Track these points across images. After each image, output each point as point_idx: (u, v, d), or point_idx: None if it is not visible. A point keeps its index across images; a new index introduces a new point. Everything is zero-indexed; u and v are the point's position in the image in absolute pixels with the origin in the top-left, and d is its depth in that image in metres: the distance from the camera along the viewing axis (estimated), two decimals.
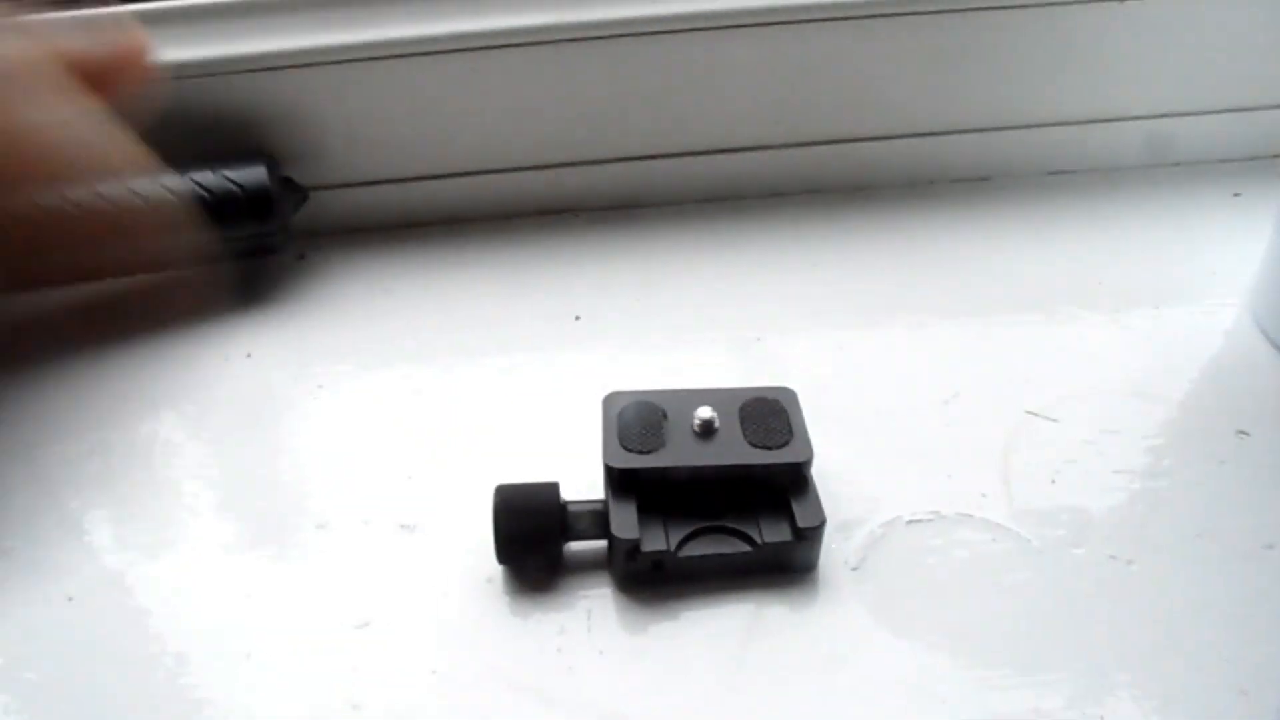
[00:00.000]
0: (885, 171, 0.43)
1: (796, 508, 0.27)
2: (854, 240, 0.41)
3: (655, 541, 0.27)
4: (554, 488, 0.28)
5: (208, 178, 0.38)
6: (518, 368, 0.35)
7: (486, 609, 0.27)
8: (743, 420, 0.29)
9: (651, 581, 0.28)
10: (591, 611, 0.27)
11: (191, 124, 0.39)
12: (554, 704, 0.25)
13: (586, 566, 0.28)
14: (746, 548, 0.27)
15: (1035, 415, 0.33)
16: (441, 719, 0.25)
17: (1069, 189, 0.43)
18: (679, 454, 0.28)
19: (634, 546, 0.27)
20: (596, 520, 0.27)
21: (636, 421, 0.29)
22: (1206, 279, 0.39)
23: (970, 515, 0.29)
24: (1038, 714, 0.25)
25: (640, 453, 0.28)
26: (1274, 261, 0.36)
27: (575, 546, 0.28)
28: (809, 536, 0.27)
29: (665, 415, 0.29)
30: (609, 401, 0.30)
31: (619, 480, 0.28)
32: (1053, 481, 0.30)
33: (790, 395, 0.30)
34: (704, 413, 0.28)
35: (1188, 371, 0.35)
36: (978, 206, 0.43)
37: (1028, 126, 0.43)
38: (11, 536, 0.30)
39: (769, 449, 0.28)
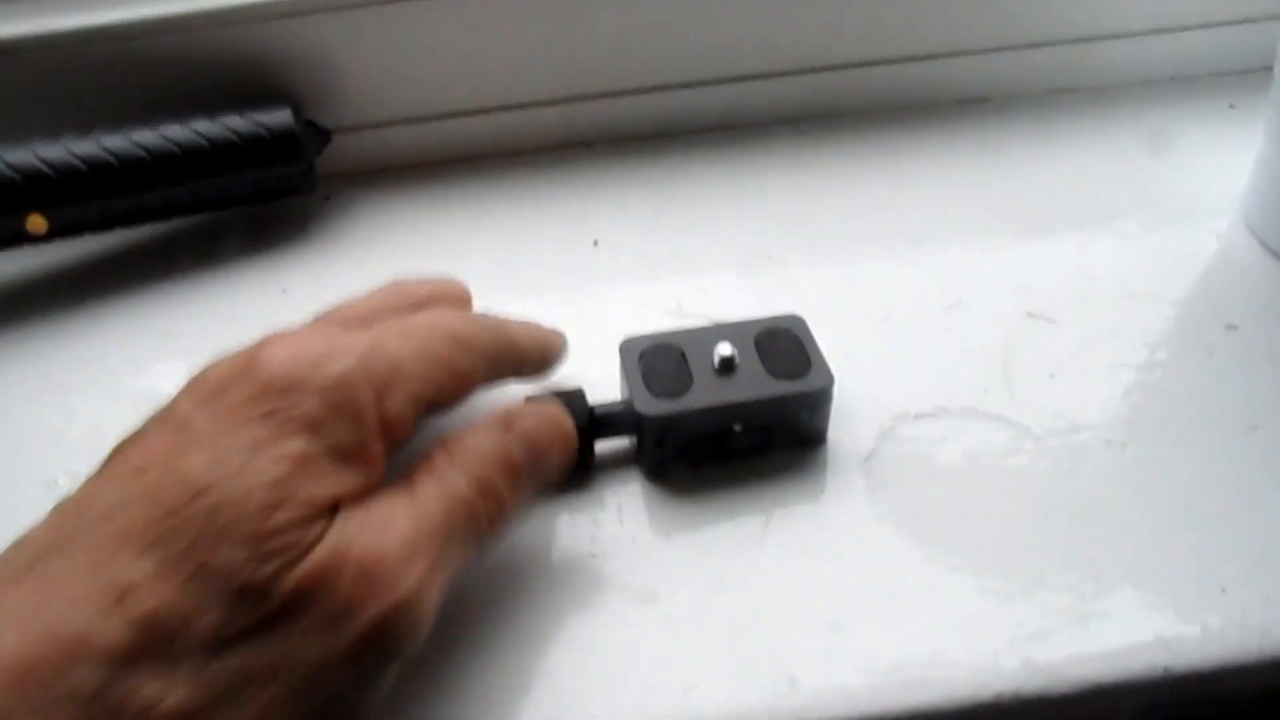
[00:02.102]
0: (887, 95, 0.44)
1: (805, 380, 0.29)
2: (858, 163, 0.42)
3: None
4: (580, 392, 0.29)
5: (235, 122, 0.39)
6: (540, 292, 0.37)
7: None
8: (760, 352, 0.30)
9: (677, 467, 0.30)
10: (622, 506, 0.29)
11: (217, 71, 0.40)
12: (589, 589, 0.27)
13: (614, 464, 0.30)
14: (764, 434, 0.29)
15: (1034, 317, 0.34)
16: (485, 612, 0.27)
17: (1068, 107, 0.45)
18: (707, 394, 0.29)
19: (665, 426, 0.28)
20: (624, 415, 0.29)
21: (659, 365, 0.30)
22: (1202, 188, 0.40)
23: (974, 408, 0.31)
24: (1038, 589, 0.27)
25: (671, 397, 0.29)
26: (1264, 166, 0.37)
27: (601, 447, 0.30)
28: (819, 399, 0.29)
29: (684, 355, 0.30)
30: (626, 347, 0.31)
31: (651, 425, 0.29)
32: (1052, 377, 0.32)
33: (800, 322, 0.31)
34: (724, 349, 0.29)
35: (1181, 274, 0.36)
36: (978, 127, 0.44)
37: (1026, 46, 0.44)
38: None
39: (792, 379, 0.29)
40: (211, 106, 0.39)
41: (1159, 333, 0.34)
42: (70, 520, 0.22)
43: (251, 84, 0.41)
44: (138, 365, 0.36)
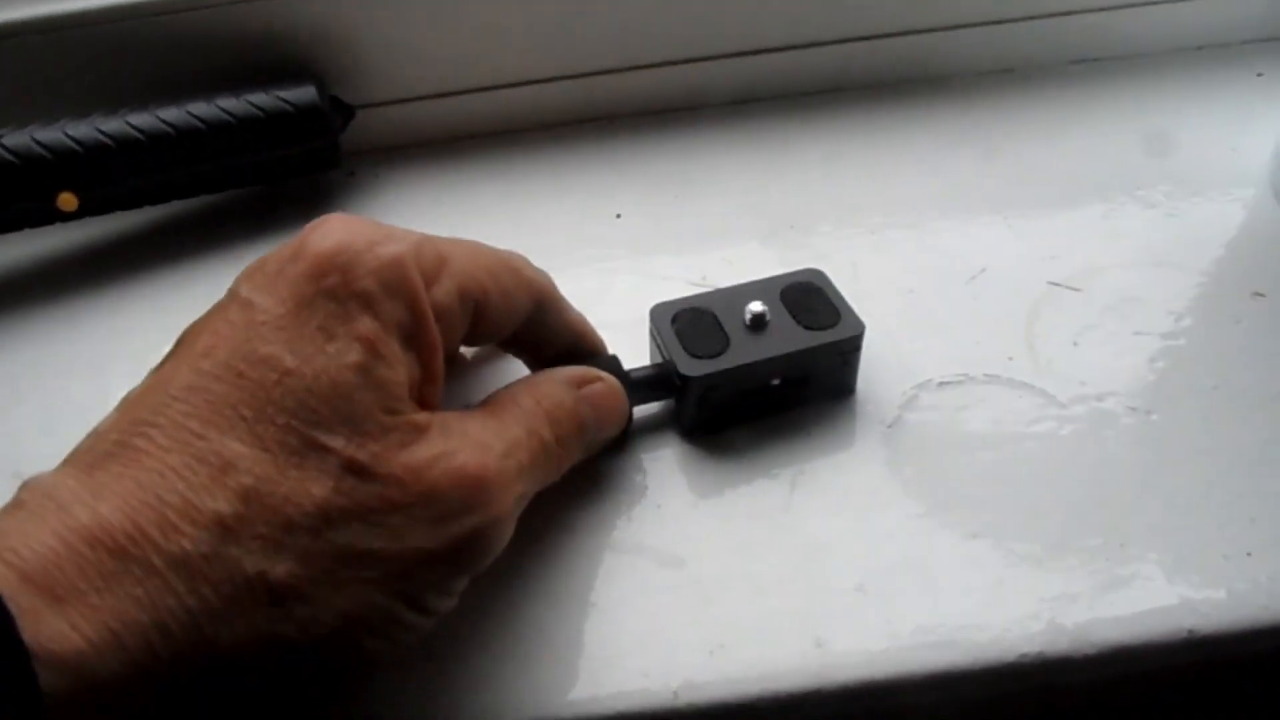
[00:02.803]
0: (910, 67, 0.44)
1: (837, 329, 0.29)
2: (881, 135, 0.42)
3: None
4: (616, 358, 0.30)
5: (261, 98, 0.39)
6: (564, 265, 0.37)
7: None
8: (788, 306, 0.30)
9: (715, 426, 0.30)
10: (653, 469, 0.30)
11: (243, 48, 0.41)
12: (619, 551, 0.28)
13: (649, 429, 0.31)
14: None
15: (1058, 286, 0.34)
16: (517, 574, 0.27)
17: (1092, 77, 0.44)
18: (746, 351, 0.29)
19: (709, 386, 0.29)
20: (661, 379, 0.30)
21: (694, 328, 0.30)
22: (1229, 157, 0.40)
23: (997, 376, 0.31)
24: (1063, 554, 0.27)
25: (712, 357, 0.29)
26: None
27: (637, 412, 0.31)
28: (851, 346, 0.30)
29: (716, 316, 0.30)
30: (657, 312, 0.31)
31: (699, 386, 0.29)
32: (1075, 344, 0.32)
33: (821, 275, 0.31)
34: (755, 306, 0.30)
35: (1207, 242, 0.36)
36: (1002, 98, 0.44)
37: (1050, 16, 0.44)
38: None
39: (824, 329, 0.30)
40: (237, 83, 0.40)
41: (1184, 301, 0.34)
42: (145, 405, 0.22)
43: (276, 61, 0.41)
44: (168, 340, 0.36)
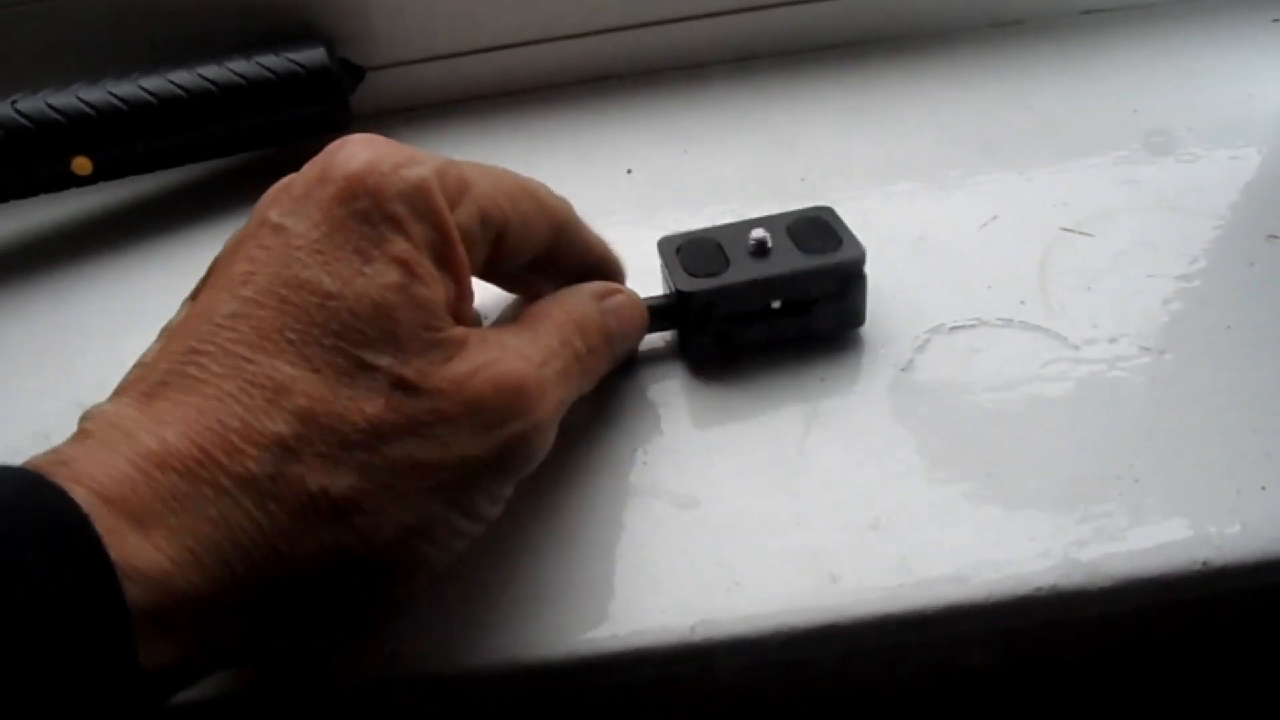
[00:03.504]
0: (922, 20, 0.44)
1: (837, 253, 0.30)
2: (892, 88, 0.42)
3: None
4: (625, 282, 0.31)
5: (271, 60, 0.40)
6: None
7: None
8: (792, 236, 0.31)
9: (720, 352, 0.31)
10: (665, 405, 0.30)
11: (253, 11, 0.41)
12: (633, 489, 0.28)
13: (656, 360, 0.31)
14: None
15: (1071, 231, 0.34)
16: (532, 515, 0.28)
17: (1103, 26, 0.44)
18: (744, 271, 0.30)
19: (707, 303, 0.30)
20: (667, 305, 0.30)
21: (696, 253, 0.31)
22: (1244, 102, 0.40)
23: (1010, 320, 0.31)
24: (1077, 490, 0.27)
25: (707, 276, 0.30)
26: None
27: (644, 345, 0.31)
28: (851, 271, 0.30)
29: (720, 245, 0.31)
30: (664, 244, 0.32)
31: (696, 303, 0.30)
32: (1089, 288, 0.32)
33: (830, 211, 0.32)
34: (757, 233, 0.30)
35: (1222, 188, 0.36)
36: (1014, 49, 0.43)
37: None
38: None
39: (824, 253, 0.30)
40: (247, 46, 0.40)
41: (1198, 244, 0.34)
42: (192, 334, 0.22)
43: (286, 23, 0.41)
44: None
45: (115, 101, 0.38)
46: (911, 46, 0.44)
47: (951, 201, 0.36)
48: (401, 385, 0.22)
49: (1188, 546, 0.25)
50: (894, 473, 0.28)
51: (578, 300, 0.28)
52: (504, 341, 0.25)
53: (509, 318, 0.31)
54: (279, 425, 0.21)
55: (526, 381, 0.24)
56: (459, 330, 0.24)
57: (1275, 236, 0.33)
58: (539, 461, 0.25)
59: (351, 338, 0.22)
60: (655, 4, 0.42)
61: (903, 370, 0.30)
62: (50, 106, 0.38)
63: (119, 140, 0.39)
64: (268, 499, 0.21)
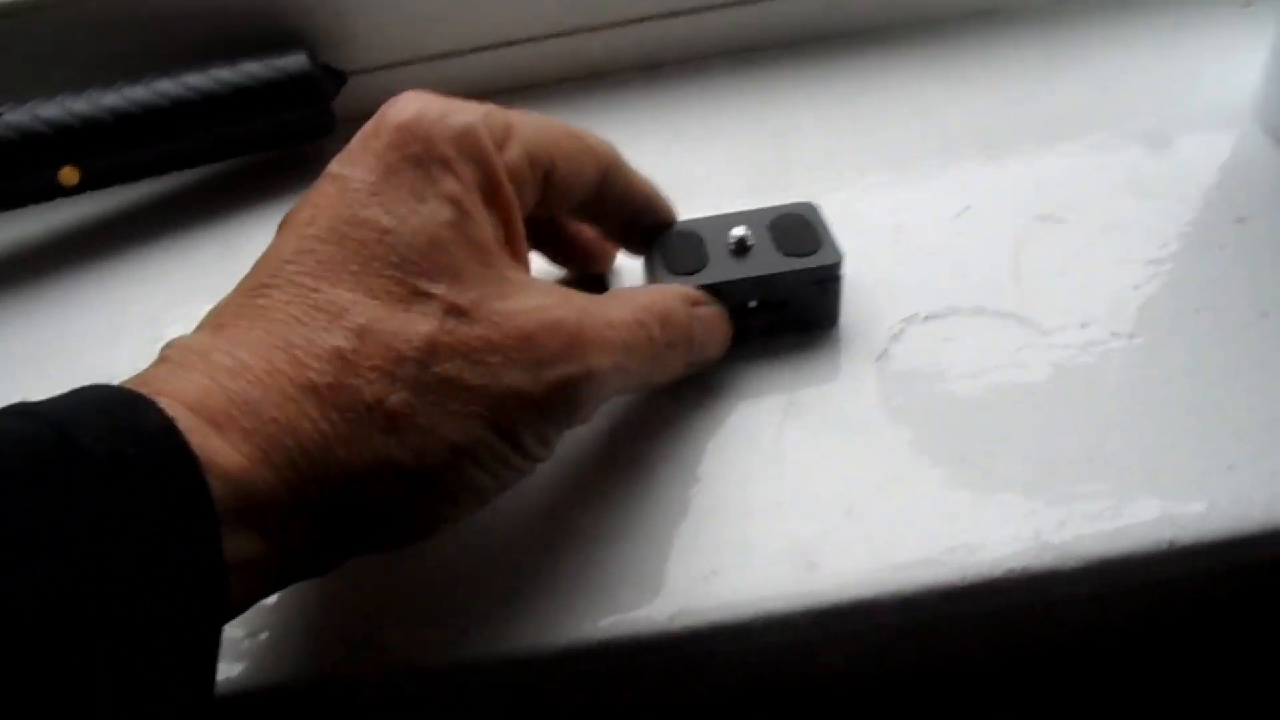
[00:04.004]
0: (896, 11, 0.44)
1: (815, 257, 0.30)
2: (867, 79, 0.42)
3: None
4: (603, 277, 0.32)
5: (254, 68, 0.40)
6: None
7: None
8: (773, 234, 0.31)
9: None
10: (647, 400, 0.31)
11: (234, 18, 0.41)
12: (611, 482, 0.29)
13: None
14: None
15: (1044, 219, 0.35)
16: (513, 506, 0.28)
17: (1077, 13, 0.44)
18: (723, 270, 0.30)
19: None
20: None
21: (677, 247, 0.31)
22: (1216, 88, 0.40)
23: (984, 307, 0.32)
24: (1049, 474, 0.28)
25: (686, 274, 0.30)
26: (1276, 65, 0.37)
27: None
28: (828, 274, 0.30)
29: (701, 240, 0.32)
30: (646, 233, 0.32)
31: None
32: (1061, 274, 0.33)
33: (812, 209, 0.32)
34: (738, 231, 0.31)
35: (1193, 173, 0.36)
36: (987, 38, 0.44)
37: None
38: None
39: (802, 256, 0.30)
40: (230, 53, 0.40)
41: (1169, 229, 0.34)
42: (260, 272, 0.24)
43: (267, 30, 0.41)
44: (173, 308, 0.37)
45: (101, 112, 0.39)
46: (889, 36, 0.44)
47: (927, 191, 0.37)
48: (455, 311, 0.23)
49: (1156, 526, 0.26)
50: (869, 460, 0.28)
51: (666, 294, 0.29)
52: (570, 296, 0.26)
53: None
54: (338, 340, 0.23)
55: (582, 330, 0.25)
56: (516, 271, 0.25)
57: (1244, 220, 0.34)
58: (588, 414, 0.26)
59: (408, 268, 0.23)
60: (636, 2, 0.43)
61: (878, 359, 0.31)
62: (37, 118, 0.38)
63: (106, 150, 0.39)
64: (328, 407, 0.22)
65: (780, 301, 0.31)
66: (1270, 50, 0.37)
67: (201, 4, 0.41)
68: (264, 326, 0.23)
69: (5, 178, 0.39)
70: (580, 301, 0.26)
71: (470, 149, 0.25)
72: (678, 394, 0.31)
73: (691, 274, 0.30)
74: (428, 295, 0.23)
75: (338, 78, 0.42)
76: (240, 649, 0.26)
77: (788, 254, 0.31)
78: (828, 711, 0.32)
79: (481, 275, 0.24)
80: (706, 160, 0.39)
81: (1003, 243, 0.34)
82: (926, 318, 0.32)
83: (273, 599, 0.27)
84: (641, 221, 0.32)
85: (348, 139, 0.43)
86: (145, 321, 0.37)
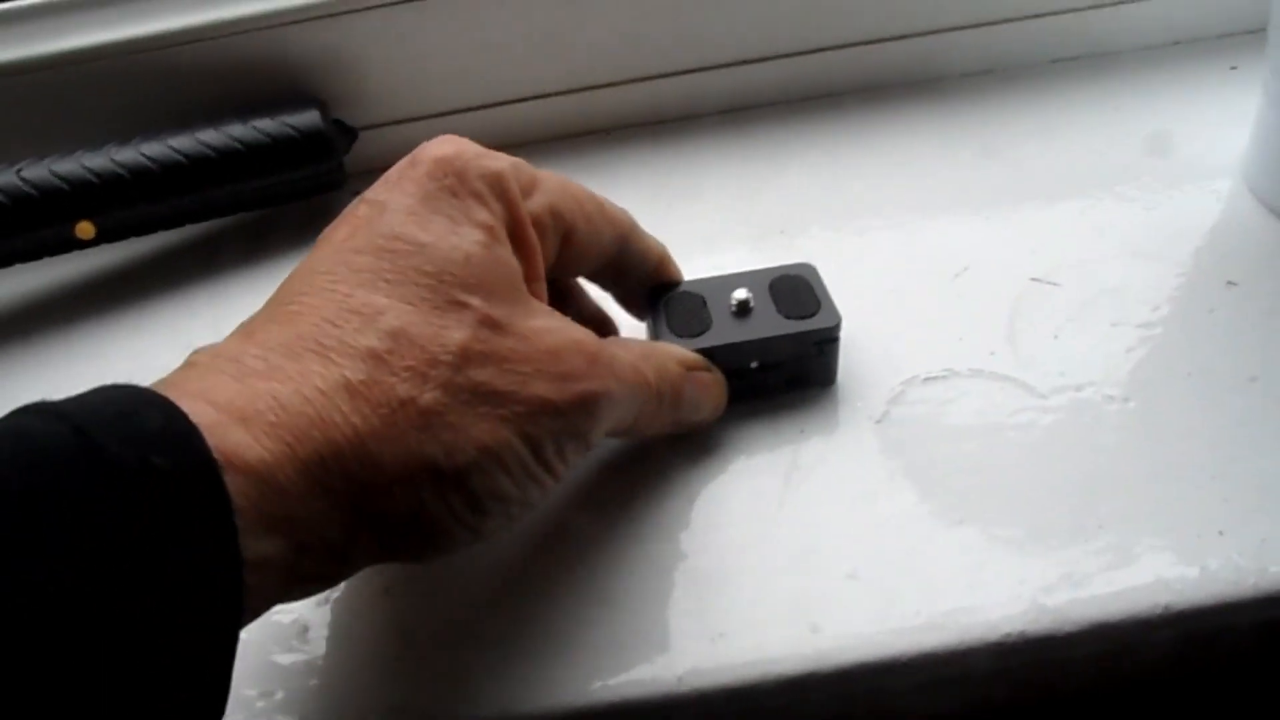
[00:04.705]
0: (892, 71, 0.46)
1: (814, 319, 0.31)
2: (867, 139, 0.44)
3: None
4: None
5: (267, 124, 0.41)
6: None
7: None
8: (774, 296, 0.32)
9: None
10: (653, 466, 0.31)
11: (247, 76, 0.42)
12: (617, 539, 0.29)
13: None
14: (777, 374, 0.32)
15: (1039, 281, 0.36)
16: (523, 568, 0.29)
17: (1070, 75, 0.46)
18: (726, 333, 0.31)
19: None
20: None
21: (682, 309, 0.32)
22: (1205, 150, 0.41)
23: (981, 370, 0.33)
24: (1045, 538, 0.28)
25: (690, 335, 0.31)
26: (1262, 127, 0.38)
27: None
28: (827, 336, 0.31)
29: (704, 301, 0.32)
30: (652, 293, 0.33)
31: None
32: (1055, 337, 0.34)
33: (811, 270, 0.33)
34: (740, 294, 0.32)
35: (1183, 235, 0.37)
36: (982, 99, 0.45)
37: (1027, 18, 0.45)
38: None
39: (802, 318, 0.31)
40: (244, 110, 0.41)
41: (1160, 291, 0.35)
42: (293, 282, 0.25)
43: (280, 87, 0.43)
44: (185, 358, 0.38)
45: (117, 168, 0.40)
46: (886, 96, 0.45)
47: (924, 252, 0.37)
48: (488, 323, 0.24)
49: (1150, 591, 0.27)
50: (871, 522, 0.29)
51: (662, 353, 0.30)
52: (582, 328, 0.27)
53: None
54: (372, 340, 0.23)
55: (601, 352, 0.26)
56: (539, 302, 0.26)
57: (1234, 283, 0.35)
58: (599, 435, 0.27)
59: (445, 278, 0.24)
60: (638, 61, 0.44)
61: (878, 422, 0.32)
62: (54, 174, 0.39)
63: (121, 205, 0.40)
64: (361, 402, 0.22)
65: (779, 362, 0.32)
66: (1256, 114, 0.39)
67: (216, 62, 0.42)
68: (295, 329, 0.23)
69: (22, 232, 0.40)
70: (589, 335, 0.27)
71: (500, 190, 0.26)
72: (680, 451, 0.31)
73: (695, 336, 0.31)
74: (463, 305, 0.24)
75: (349, 134, 0.43)
76: (254, 710, 0.27)
77: (788, 316, 0.32)
78: None
79: (512, 295, 0.25)
80: (708, 218, 0.40)
81: (999, 305, 0.35)
82: (925, 379, 0.33)
83: (284, 660, 0.28)
84: (651, 285, 0.33)
85: (358, 193, 0.44)
86: (154, 373, 0.38)
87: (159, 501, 0.19)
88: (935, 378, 0.33)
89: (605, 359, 0.26)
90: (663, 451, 0.32)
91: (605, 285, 0.33)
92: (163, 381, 0.23)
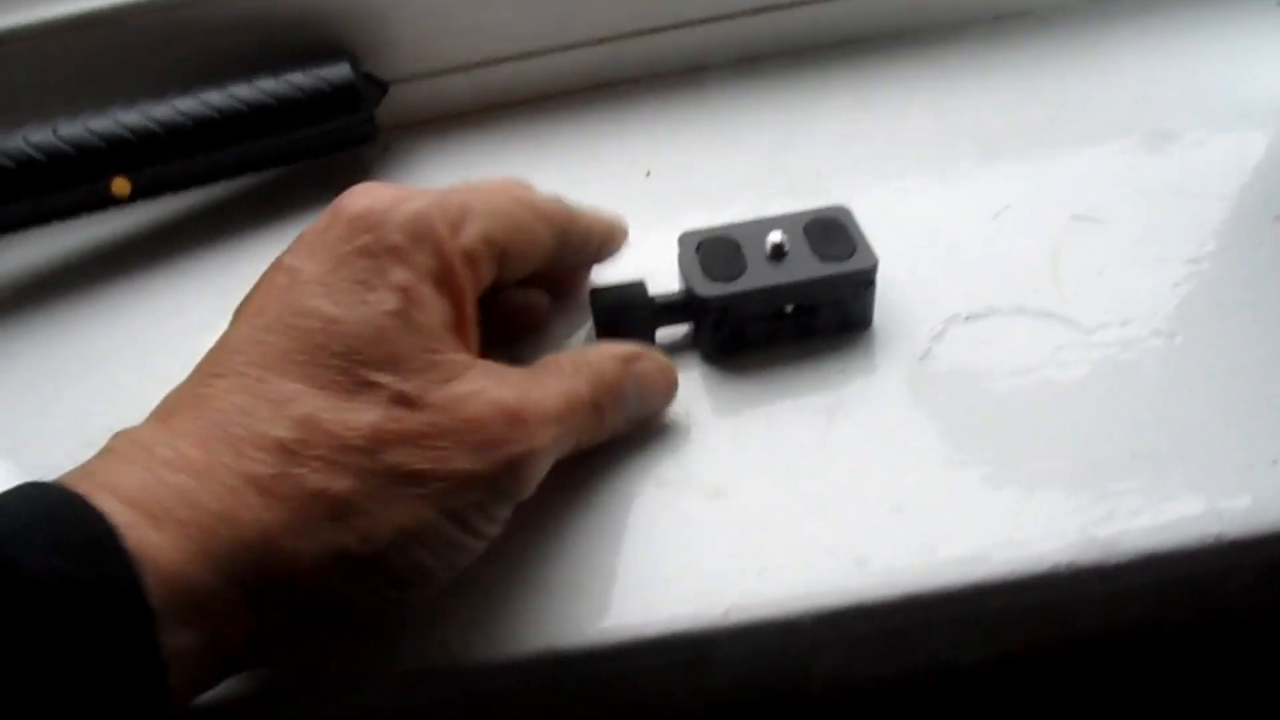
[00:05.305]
0: (929, 14, 0.45)
1: (850, 261, 0.31)
2: (903, 83, 0.43)
3: None
4: (642, 282, 0.32)
5: (298, 78, 0.41)
6: None
7: None
8: (809, 238, 0.32)
9: (733, 350, 0.32)
10: (688, 403, 0.31)
11: (278, 30, 0.42)
12: (660, 479, 0.29)
13: (672, 354, 0.32)
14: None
15: (1081, 219, 0.35)
16: (577, 508, 0.29)
17: (1108, 15, 0.44)
18: (760, 277, 0.31)
19: (723, 306, 0.31)
20: (683, 302, 0.32)
21: (715, 253, 0.32)
22: (1248, 86, 0.40)
23: (1024, 307, 0.32)
24: (1093, 470, 0.28)
25: (726, 280, 0.31)
26: None
27: (662, 334, 0.32)
28: (863, 279, 0.31)
29: (739, 245, 0.32)
30: (684, 239, 0.33)
31: (713, 306, 0.31)
32: (1100, 274, 0.33)
33: (846, 213, 0.33)
34: (774, 237, 0.31)
35: (1230, 172, 0.37)
36: (1021, 40, 0.44)
37: None
38: None
39: (838, 260, 0.31)
40: (275, 64, 0.41)
41: (1207, 228, 0.34)
42: (210, 362, 0.25)
43: (311, 41, 0.42)
44: (220, 315, 0.38)
45: (151, 124, 0.40)
46: (920, 40, 0.44)
47: (963, 194, 0.37)
48: (400, 400, 0.24)
49: (1201, 521, 0.26)
50: (915, 458, 0.29)
51: (596, 357, 0.29)
52: (507, 376, 0.26)
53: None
54: (282, 431, 0.23)
55: (524, 409, 0.25)
56: (461, 356, 0.25)
57: None
58: (531, 489, 0.26)
59: (354, 358, 0.24)
60: (668, 9, 0.43)
61: (921, 360, 0.31)
62: (90, 130, 0.39)
63: (156, 161, 0.40)
64: (271, 497, 0.22)
65: (816, 305, 0.31)
66: None
67: (248, 16, 0.42)
68: (208, 417, 0.23)
69: (59, 189, 0.40)
70: (516, 379, 0.26)
71: (423, 235, 0.25)
72: (718, 396, 0.31)
73: (730, 280, 0.31)
74: (373, 385, 0.23)
75: (379, 87, 0.43)
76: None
77: (824, 259, 0.31)
78: (878, 709, 0.32)
79: (427, 361, 0.24)
80: (741, 165, 0.40)
81: (1040, 244, 0.34)
82: (967, 318, 0.32)
83: None
84: (600, 258, 0.32)
85: (389, 147, 0.44)
86: (191, 330, 0.38)
87: (76, 612, 0.19)
88: (978, 315, 0.32)
89: (530, 411, 0.25)
90: (697, 387, 0.32)
91: (551, 278, 0.32)
92: (83, 469, 0.23)
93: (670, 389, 0.31)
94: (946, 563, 0.26)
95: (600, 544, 0.28)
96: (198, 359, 0.36)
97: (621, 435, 0.30)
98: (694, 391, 0.32)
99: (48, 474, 0.23)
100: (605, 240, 0.32)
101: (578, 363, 0.28)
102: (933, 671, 0.30)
